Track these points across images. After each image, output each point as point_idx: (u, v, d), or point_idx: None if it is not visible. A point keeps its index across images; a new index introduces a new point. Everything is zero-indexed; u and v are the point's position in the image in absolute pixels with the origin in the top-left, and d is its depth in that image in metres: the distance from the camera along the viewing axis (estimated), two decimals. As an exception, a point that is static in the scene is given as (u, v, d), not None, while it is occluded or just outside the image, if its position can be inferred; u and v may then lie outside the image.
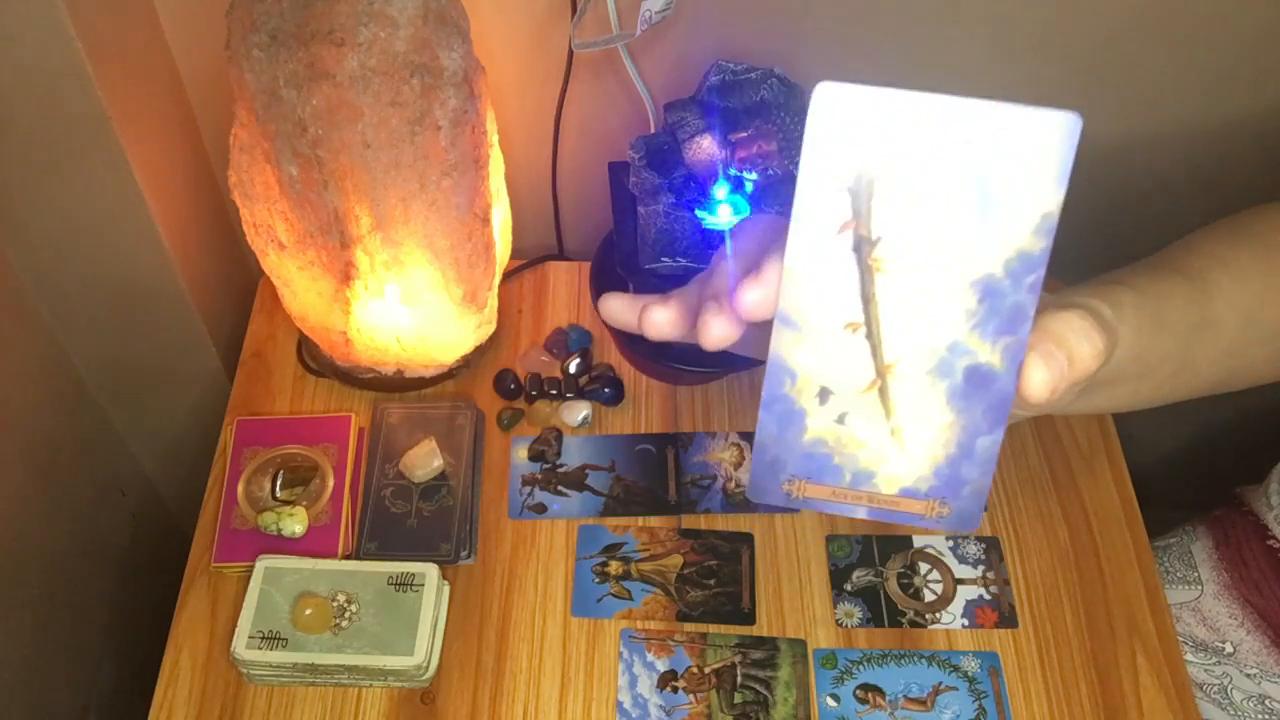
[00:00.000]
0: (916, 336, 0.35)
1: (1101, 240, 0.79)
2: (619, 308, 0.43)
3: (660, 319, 0.40)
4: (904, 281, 0.35)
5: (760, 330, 0.40)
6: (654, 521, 0.75)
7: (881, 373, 0.36)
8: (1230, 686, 0.78)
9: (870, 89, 0.33)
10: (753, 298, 0.36)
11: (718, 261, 0.41)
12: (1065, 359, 0.36)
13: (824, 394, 0.37)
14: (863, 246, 0.34)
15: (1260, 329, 0.55)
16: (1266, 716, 0.77)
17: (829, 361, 0.36)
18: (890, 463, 0.37)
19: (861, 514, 0.39)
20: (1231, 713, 0.78)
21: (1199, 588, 0.80)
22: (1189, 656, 0.79)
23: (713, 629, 0.70)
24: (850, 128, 0.33)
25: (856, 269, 0.35)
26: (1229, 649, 0.78)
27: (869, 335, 0.35)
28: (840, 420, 0.37)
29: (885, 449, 0.37)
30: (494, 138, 0.70)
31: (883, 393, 0.36)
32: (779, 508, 0.70)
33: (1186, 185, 0.84)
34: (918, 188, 0.33)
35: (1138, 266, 0.54)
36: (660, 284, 0.71)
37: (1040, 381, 0.35)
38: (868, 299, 0.35)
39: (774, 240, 0.36)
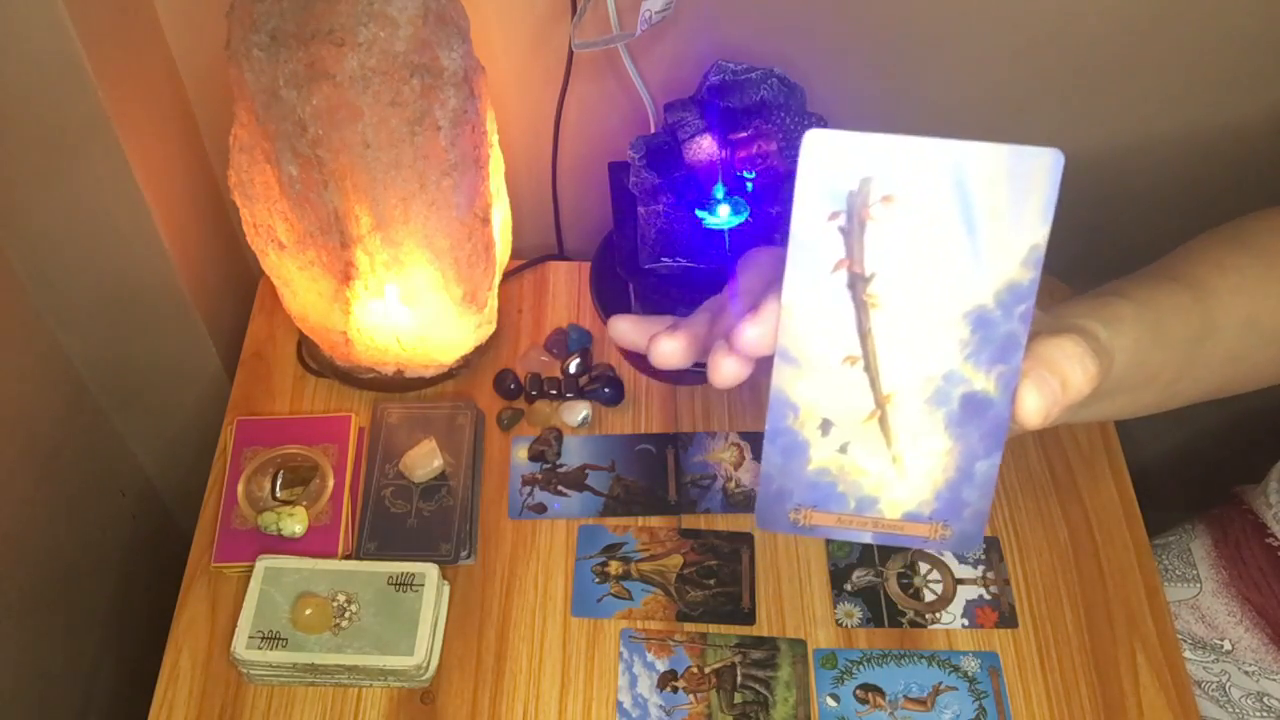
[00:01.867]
0: (913, 367, 0.37)
1: (1107, 244, 0.79)
2: (628, 330, 0.45)
3: (668, 349, 0.41)
4: (898, 315, 0.36)
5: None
6: (654, 521, 0.75)
7: (881, 403, 0.37)
8: (1228, 684, 0.78)
9: (857, 134, 0.34)
10: (751, 335, 0.37)
11: (726, 296, 0.42)
12: (1059, 384, 0.37)
13: (826, 425, 0.38)
14: (857, 283, 0.36)
15: (1261, 334, 0.55)
16: (1265, 714, 0.77)
17: (829, 394, 0.37)
18: (893, 489, 0.39)
19: (867, 539, 0.40)
20: (1230, 710, 0.78)
21: (1197, 585, 0.80)
22: (1187, 654, 0.79)
23: (713, 629, 0.70)
24: (839, 171, 0.34)
25: (852, 305, 0.36)
26: (1227, 646, 0.78)
27: (867, 368, 0.37)
28: (843, 450, 0.38)
29: (887, 476, 0.39)
30: (494, 138, 0.70)
31: (883, 422, 0.38)
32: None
33: (1188, 190, 0.84)
34: (907, 226, 0.35)
35: (1137, 276, 0.54)
36: (660, 283, 0.71)
37: (1034, 408, 0.37)
38: (864, 333, 0.36)
39: (777, 275, 0.38)
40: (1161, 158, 0.82)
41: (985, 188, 0.34)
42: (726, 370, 0.38)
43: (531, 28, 0.74)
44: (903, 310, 0.36)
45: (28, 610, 0.75)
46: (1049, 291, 0.37)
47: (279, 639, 0.65)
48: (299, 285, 0.71)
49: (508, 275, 0.85)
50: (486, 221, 0.69)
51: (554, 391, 0.80)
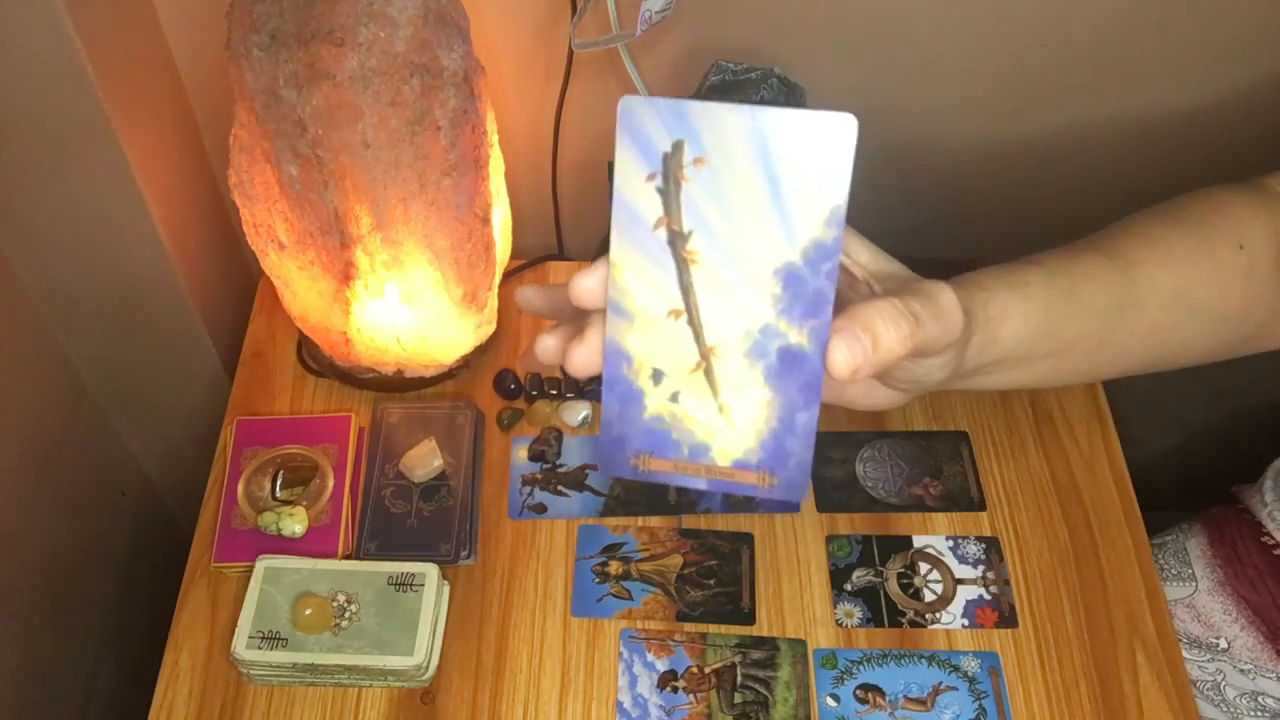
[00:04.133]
0: (732, 322, 0.39)
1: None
2: (532, 297, 0.48)
3: (548, 346, 0.44)
4: (716, 272, 0.39)
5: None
6: (654, 521, 0.75)
7: (705, 355, 0.40)
8: (1224, 683, 0.78)
9: (668, 100, 0.37)
10: (585, 285, 0.40)
11: None
12: (870, 341, 0.39)
13: (657, 375, 0.41)
14: (676, 240, 0.38)
15: (1189, 306, 0.56)
16: (1259, 713, 0.77)
17: (659, 346, 0.40)
18: (722, 438, 0.41)
19: (702, 485, 0.42)
20: (1225, 709, 0.78)
21: (1193, 584, 0.80)
22: (1183, 653, 0.79)
23: (713, 629, 0.70)
24: (653, 135, 0.37)
25: (673, 261, 0.39)
26: (1223, 645, 0.78)
27: (690, 321, 0.39)
28: (674, 399, 0.41)
29: (716, 425, 0.41)
30: (494, 138, 0.70)
31: (708, 373, 0.40)
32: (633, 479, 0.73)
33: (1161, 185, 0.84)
34: (718, 187, 0.37)
35: (1059, 249, 0.55)
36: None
37: (842, 361, 0.39)
38: (686, 288, 0.39)
39: None
40: (1163, 153, 0.83)
41: (787, 152, 0.36)
42: (576, 358, 0.41)
43: (531, 28, 0.74)
44: (719, 267, 0.38)
45: (28, 610, 0.75)
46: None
47: (279, 639, 0.65)
48: (299, 285, 0.71)
49: (508, 275, 0.85)
50: (486, 221, 0.69)
51: (554, 391, 0.80)
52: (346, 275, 0.67)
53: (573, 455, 0.78)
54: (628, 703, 0.67)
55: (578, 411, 0.79)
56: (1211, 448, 1.11)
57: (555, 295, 0.47)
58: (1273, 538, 0.77)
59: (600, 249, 0.85)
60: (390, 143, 0.61)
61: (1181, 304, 0.55)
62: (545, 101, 0.78)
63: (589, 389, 0.80)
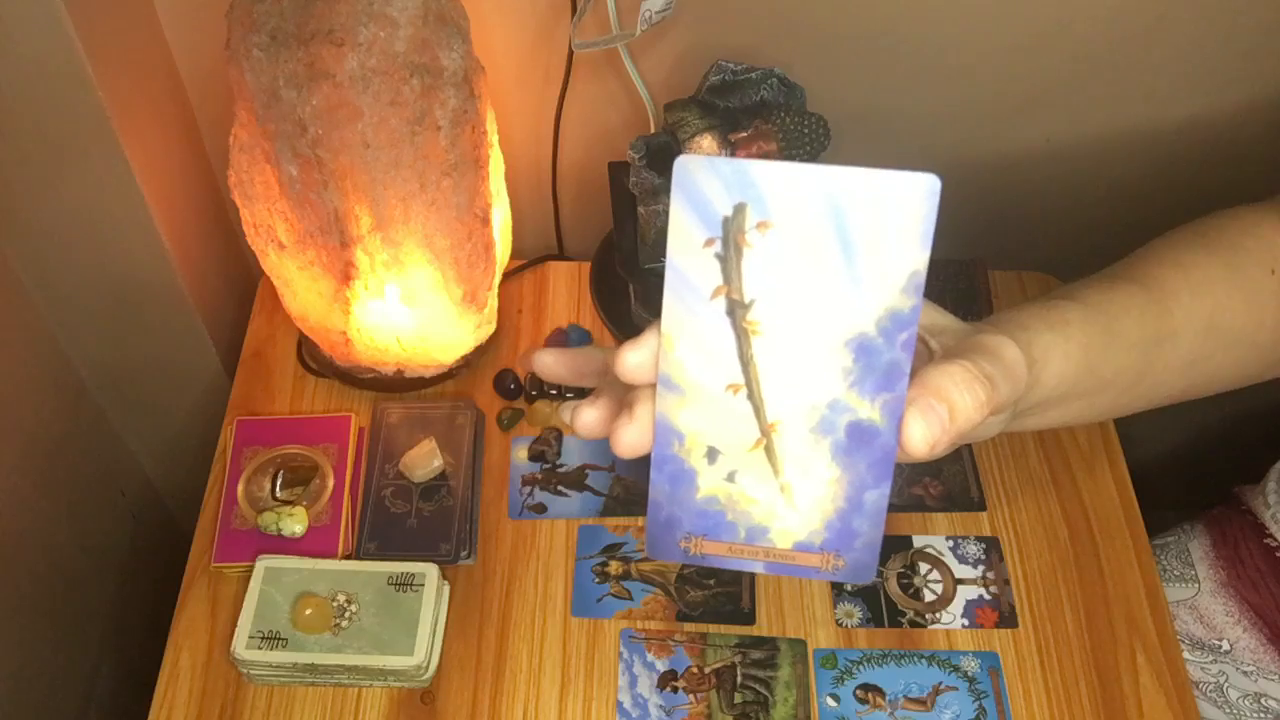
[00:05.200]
0: (797, 396, 0.36)
1: (1114, 242, 0.79)
2: (551, 364, 0.44)
3: (589, 419, 0.41)
4: (780, 343, 0.35)
5: None
6: (654, 521, 0.75)
7: (766, 432, 0.37)
8: (1226, 685, 0.78)
9: (729, 160, 0.34)
10: (632, 361, 0.37)
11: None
12: (946, 412, 0.37)
13: (712, 453, 0.38)
14: (736, 310, 0.35)
15: (1222, 336, 0.54)
16: (1262, 714, 0.77)
17: (714, 422, 0.37)
18: (782, 518, 0.38)
19: (759, 569, 0.39)
20: (1227, 711, 0.78)
21: (1195, 585, 0.80)
22: (1185, 654, 0.79)
23: (713, 629, 0.70)
24: (713, 198, 0.34)
25: (732, 332, 0.35)
26: (1225, 646, 0.78)
27: (750, 396, 0.36)
28: (730, 479, 0.38)
29: (776, 505, 0.38)
30: (494, 138, 0.70)
31: (769, 451, 0.37)
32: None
33: (1189, 185, 0.84)
34: (784, 253, 0.34)
35: (1095, 278, 0.53)
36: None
37: (920, 437, 0.36)
38: (746, 361, 0.36)
39: None
40: (1163, 154, 0.82)
41: (861, 214, 0.33)
42: (628, 437, 0.38)
43: (531, 28, 0.74)
44: (784, 338, 0.35)
45: (28, 610, 0.75)
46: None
47: (279, 639, 0.65)
48: (299, 285, 0.71)
49: (508, 275, 0.85)
50: (486, 221, 0.69)
51: (554, 391, 0.80)
52: (346, 275, 0.67)
53: (573, 455, 0.78)
54: (628, 703, 0.67)
55: (570, 413, 0.78)
56: (1213, 448, 1.10)
57: (578, 361, 0.44)
58: (1275, 539, 0.77)
59: (601, 250, 0.85)
60: (390, 143, 0.61)
61: (1215, 334, 0.54)
62: (545, 101, 0.78)
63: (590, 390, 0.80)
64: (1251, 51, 0.74)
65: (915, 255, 0.34)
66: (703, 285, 0.35)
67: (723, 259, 0.35)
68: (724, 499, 0.38)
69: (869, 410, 0.36)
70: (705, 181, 0.34)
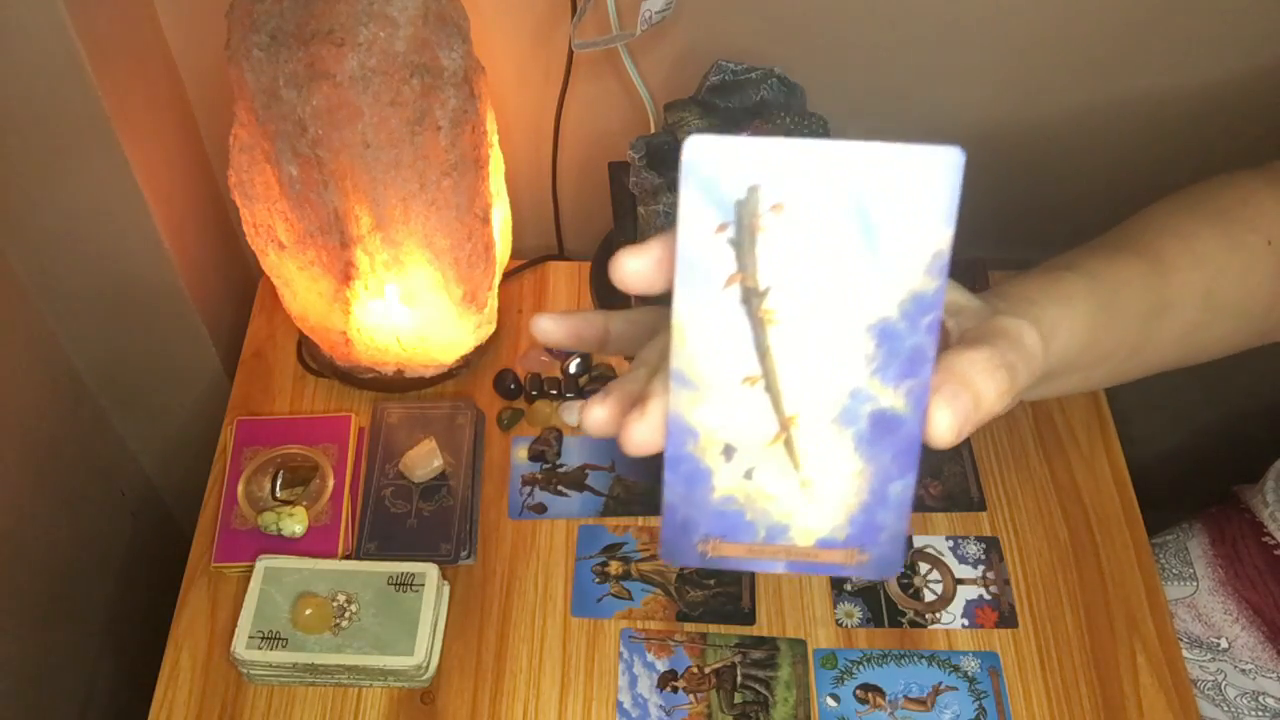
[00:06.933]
0: (817, 386, 0.35)
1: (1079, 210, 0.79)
2: (551, 328, 0.43)
3: (599, 416, 0.39)
4: (798, 331, 0.34)
5: None
6: (654, 521, 0.75)
7: (785, 425, 0.35)
8: (1224, 683, 0.78)
9: (740, 139, 0.32)
10: (631, 266, 0.36)
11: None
12: (971, 399, 0.36)
13: (729, 451, 0.36)
14: (751, 298, 0.33)
15: (1219, 306, 0.54)
16: (1260, 713, 0.77)
17: (730, 418, 0.35)
18: (804, 515, 0.37)
19: (781, 569, 0.38)
20: (1226, 709, 0.78)
21: (1194, 584, 0.80)
22: (1184, 653, 0.79)
23: (713, 629, 0.70)
24: (724, 180, 0.32)
25: (748, 322, 0.34)
26: (1224, 645, 0.78)
27: (768, 388, 0.35)
28: (748, 476, 0.36)
29: (797, 502, 0.36)
30: (494, 138, 0.70)
31: (788, 445, 0.36)
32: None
33: (1152, 155, 0.84)
34: (801, 235, 0.33)
35: (1094, 247, 0.53)
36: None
37: (947, 425, 0.35)
38: (763, 351, 0.34)
39: None
40: (1166, 151, 0.82)
41: (881, 192, 0.32)
42: (638, 435, 0.36)
43: (531, 28, 0.74)
44: (802, 325, 0.34)
45: (27, 610, 0.75)
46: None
47: (279, 639, 0.65)
48: (299, 285, 0.71)
49: (508, 275, 0.85)
50: (486, 221, 0.69)
51: (554, 391, 0.80)
52: (346, 275, 0.67)
53: (573, 455, 0.78)
54: (628, 703, 0.67)
55: (578, 411, 0.79)
56: (1212, 447, 1.10)
57: (578, 324, 0.43)
58: (1274, 538, 0.77)
59: (601, 250, 0.85)
60: (390, 143, 0.61)
61: (1211, 304, 0.53)
62: (545, 101, 0.78)
63: (590, 389, 0.80)
64: (1256, 33, 0.74)
65: (939, 234, 0.32)
66: (716, 273, 0.33)
67: (736, 244, 0.33)
68: (742, 498, 0.37)
69: (892, 398, 0.34)
70: (717, 162, 0.32)
